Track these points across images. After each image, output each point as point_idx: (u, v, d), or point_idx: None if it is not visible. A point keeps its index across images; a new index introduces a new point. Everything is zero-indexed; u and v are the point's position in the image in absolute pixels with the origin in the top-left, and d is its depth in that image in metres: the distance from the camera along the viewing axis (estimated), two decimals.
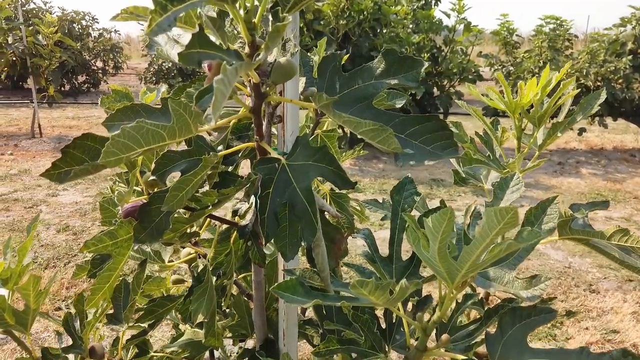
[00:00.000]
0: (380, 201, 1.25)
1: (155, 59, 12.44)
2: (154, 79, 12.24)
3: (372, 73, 0.72)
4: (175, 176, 0.83)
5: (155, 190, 0.88)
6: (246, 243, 0.97)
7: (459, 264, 0.67)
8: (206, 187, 0.92)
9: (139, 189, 0.91)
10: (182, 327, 1.57)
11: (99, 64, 13.39)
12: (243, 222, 0.97)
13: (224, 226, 1.07)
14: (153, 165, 0.82)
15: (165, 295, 1.07)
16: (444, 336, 0.80)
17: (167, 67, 12.38)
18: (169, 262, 1.24)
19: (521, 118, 1.19)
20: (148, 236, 0.82)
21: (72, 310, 1.03)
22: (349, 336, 0.81)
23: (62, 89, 11.29)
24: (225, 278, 0.95)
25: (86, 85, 12.44)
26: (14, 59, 7.07)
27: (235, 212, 1.00)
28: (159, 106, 0.73)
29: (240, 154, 0.96)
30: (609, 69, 6.40)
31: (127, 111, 0.72)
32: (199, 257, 1.16)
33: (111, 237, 0.82)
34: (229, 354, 1.23)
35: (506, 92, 1.14)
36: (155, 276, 1.36)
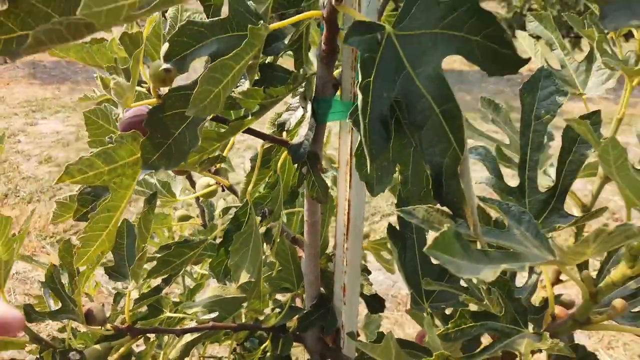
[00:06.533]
0: None
1: None
2: None
3: None
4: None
5: (169, 88, 0.57)
6: (300, 170, 0.67)
7: None
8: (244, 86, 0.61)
9: (144, 89, 0.60)
10: (197, 271, 1.32)
11: None
12: (296, 140, 0.67)
13: (260, 147, 0.77)
14: (165, 47, 0.50)
15: (181, 240, 0.79)
16: (618, 302, 0.54)
17: None
18: (180, 196, 0.95)
19: None
20: (164, 158, 0.52)
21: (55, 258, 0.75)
22: (469, 302, 0.55)
23: None
24: (272, 219, 0.67)
25: None
26: None
27: (281, 126, 0.70)
28: None
29: (288, 39, 0.65)
30: None
31: None
32: (222, 190, 0.88)
33: (106, 160, 0.52)
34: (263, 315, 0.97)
35: None
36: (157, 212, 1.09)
